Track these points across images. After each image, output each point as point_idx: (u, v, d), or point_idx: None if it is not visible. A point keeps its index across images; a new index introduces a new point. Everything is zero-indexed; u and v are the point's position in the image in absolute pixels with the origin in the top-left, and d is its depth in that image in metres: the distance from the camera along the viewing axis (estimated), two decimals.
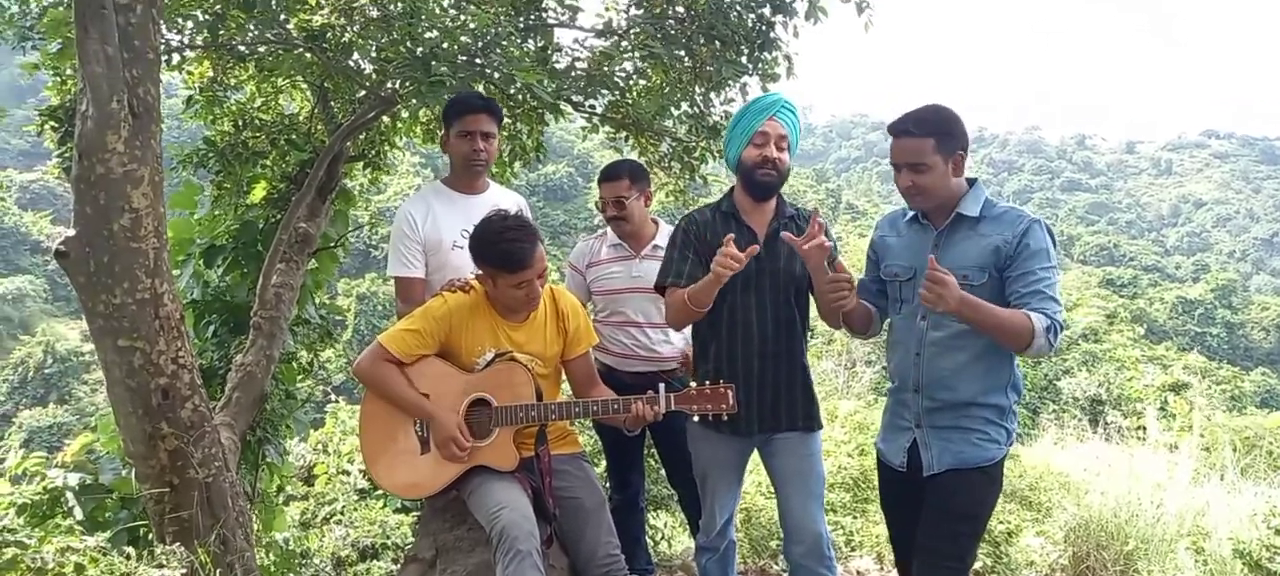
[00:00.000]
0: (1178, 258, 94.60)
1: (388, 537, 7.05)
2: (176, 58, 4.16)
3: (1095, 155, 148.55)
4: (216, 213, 5.01)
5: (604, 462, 4.12)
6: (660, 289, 3.06)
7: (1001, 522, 5.64)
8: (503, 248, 2.77)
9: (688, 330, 3.36)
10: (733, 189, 3.08)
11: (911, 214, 2.82)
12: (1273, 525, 4.44)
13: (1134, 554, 5.10)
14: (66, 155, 4.39)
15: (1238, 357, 49.96)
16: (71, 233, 2.82)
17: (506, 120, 5.02)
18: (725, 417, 2.79)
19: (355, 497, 8.11)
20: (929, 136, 2.59)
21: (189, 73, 4.78)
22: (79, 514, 3.95)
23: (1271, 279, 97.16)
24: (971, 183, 2.72)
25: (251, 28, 3.91)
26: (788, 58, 4.33)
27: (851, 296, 2.74)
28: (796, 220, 3.03)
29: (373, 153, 5.59)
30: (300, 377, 5.29)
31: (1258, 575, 4.32)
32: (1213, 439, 8.57)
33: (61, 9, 3.99)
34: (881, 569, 5.48)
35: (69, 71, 4.34)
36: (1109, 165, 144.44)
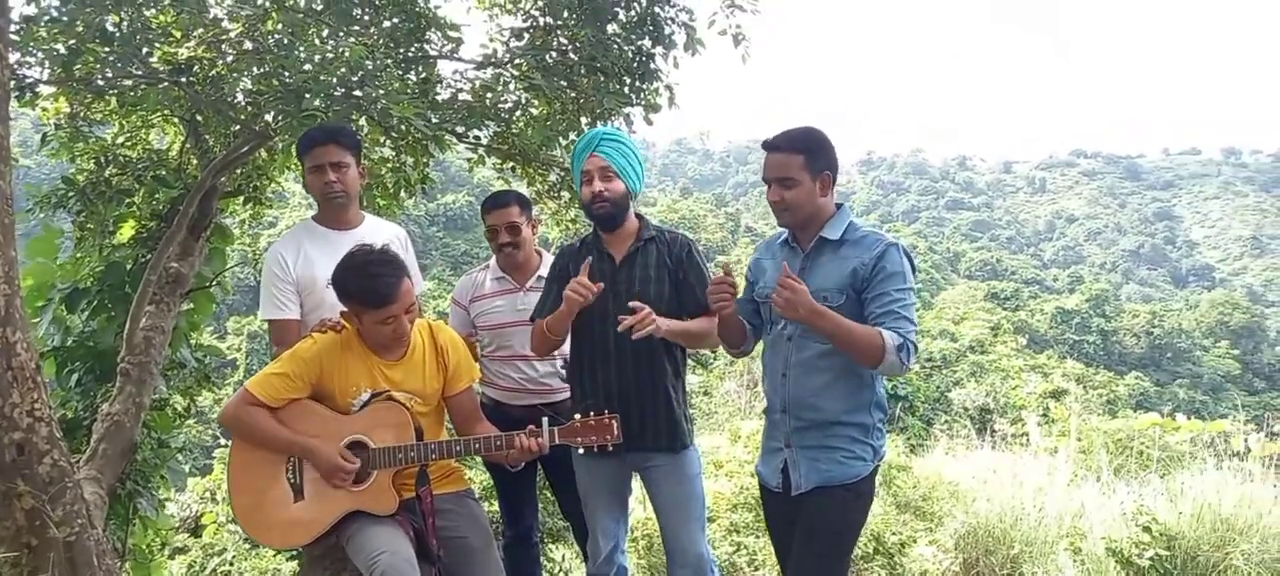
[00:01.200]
0: (1055, 270, 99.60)
1: None
2: (29, 94, 3.92)
3: (975, 175, 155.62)
4: (79, 255, 4.73)
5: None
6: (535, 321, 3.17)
7: (894, 533, 5.79)
8: (364, 282, 2.70)
9: None
10: None
11: (785, 237, 2.91)
12: (1140, 522, 4.68)
13: (1019, 557, 5.30)
14: None
15: (1113, 363, 52.86)
16: None
17: (391, 152, 4.93)
18: (610, 448, 2.79)
19: (246, 547, 7.77)
20: (799, 153, 2.69)
21: (44, 109, 4.52)
22: None
23: (1140, 288, 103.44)
24: (839, 207, 2.81)
25: (111, 61, 3.73)
26: (669, 88, 4.39)
27: (731, 302, 2.80)
28: (657, 240, 3.12)
29: (251, 187, 5.39)
30: (176, 424, 5.03)
31: (1128, 571, 4.54)
32: (1089, 442, 9.00)
33: None
34: None
35: None
36: (988, 184, 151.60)
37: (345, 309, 2.80)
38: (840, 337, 2.60)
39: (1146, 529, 4.60)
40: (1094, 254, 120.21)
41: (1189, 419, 7.51)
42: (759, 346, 3.14)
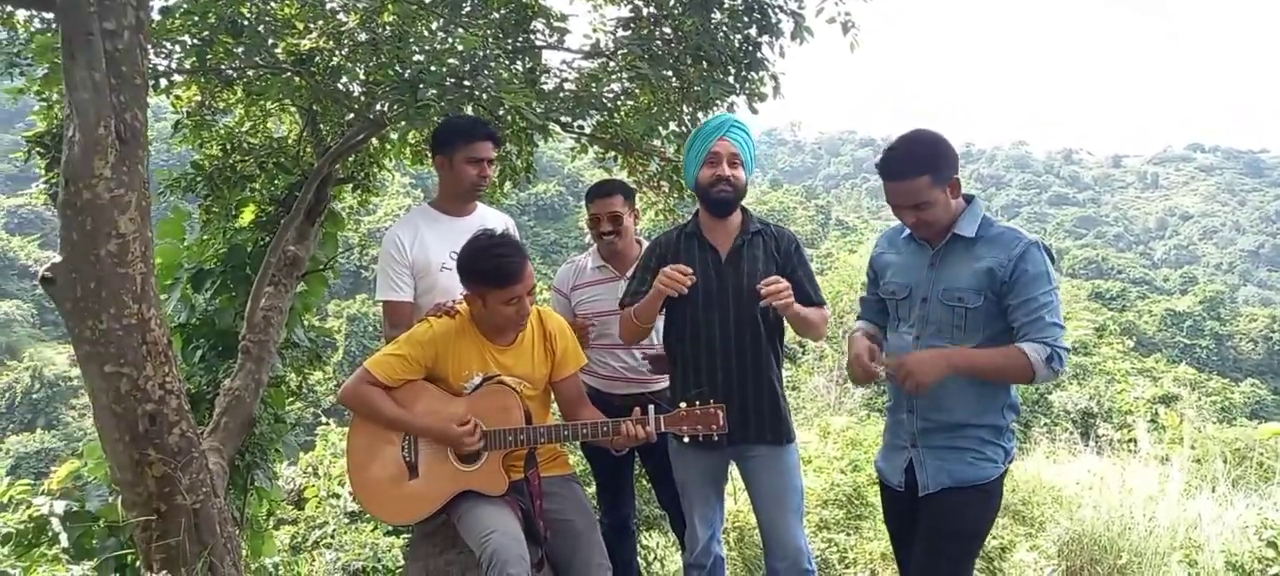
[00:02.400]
0: (1165, 270, 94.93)
1: (379, 561, 7.01)
2: (164, 82, 4.15)
3: (1082, 169, 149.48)
4: (205, 237, 4.99)
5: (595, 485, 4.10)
6: (624, 308, 3.16)
7: (995, 538, 5.64)
8: (492, 262, 2.77)
9: None
10: (697, 212, 3.15)
11: (909, 231, 2.81)
12: (1265, 537, 4.44)
13: (1127, 567, 5.09)
14: (53, 181, 4.37)
15: (1227, 369, 50.11)
16: (58, 258, 2.81)
17: None
18: (716, 438, 2.79)
19: (346, 521, 8.07)
20: (923, 174, 2.53)
21: (176, 97, 4.77)
22: (65, 542, 3.91)
23: (1259, 290, 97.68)
24: (969, 200, 2.69)
25: (239, 52, 3.91)
26: (774, 77, 4.35)
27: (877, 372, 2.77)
28: (763, 234, 3.08)
29: (362, 174, 5.59)
30: (289, 401, 5.27)
31: None
32: (1204, 451, 8.56)
33: (49, 34, 3.98)
34: None
35: (56, 97, 4.33)
36: (1095, 179, 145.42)
37: (468, 291, 2.87)
38: (987, 375, 2.55)
39: (1272, 543, 4.36)
40: (1209, 254, 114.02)
41: None
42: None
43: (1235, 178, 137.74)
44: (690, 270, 2.88)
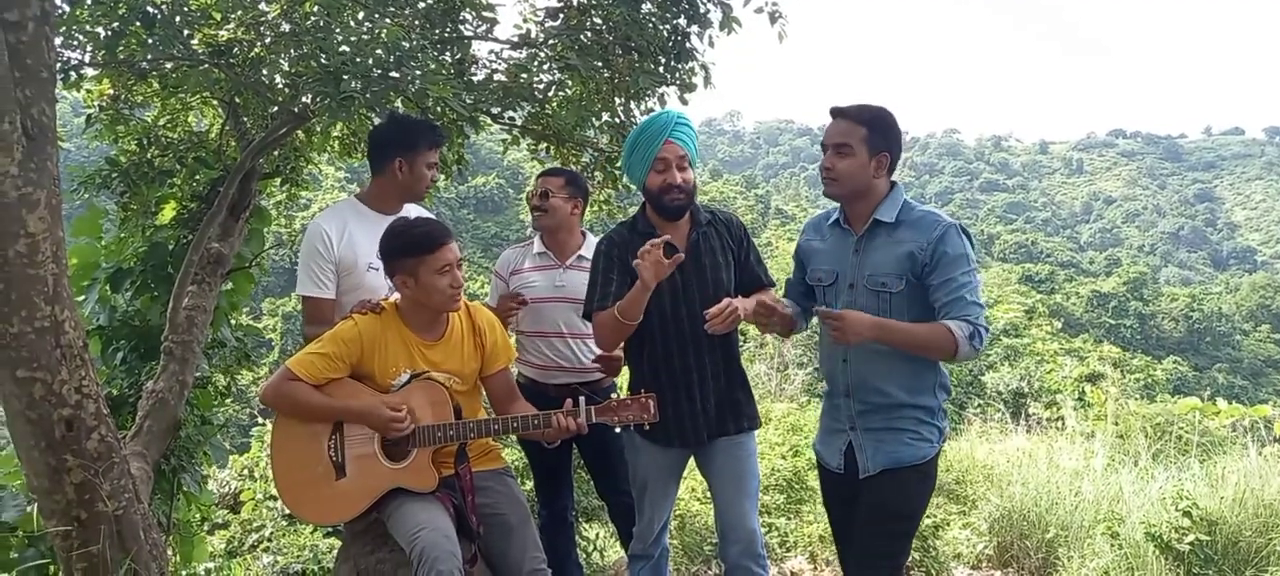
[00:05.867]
0: (1091, 253, 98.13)
1: (319, 563, 6.89)
2: (73, 75, 3.99)
3: (1011, 156, 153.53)
4: (123, 235, 4.82)
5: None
6: (588, 316, 3.07)
7: (929, 517, 5.76)
8: (420, 230, 2.77)
9: None
10: (644, 206, 3.09)
11: (835, 218, 2.85)
12: (1180, 507, 4.61)
13: (1054, 541, 5.26)
14: None
15: (1150, 347, 52.00)
16: None
17: None
18: (647, 427, 2.80)
19: (283, 523, 7.91)
20: (863, 125, 2.63)
21: (88, 91, 4.60)
22: None
23: (1179, 270, 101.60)
24: (893, 186, 2.74)
25: (152, 43, 3.77)
26: (704, 67, 4.36)
27: (778, 322, 2.83)
28: (714, 224, 3.08)
29: (289, 168, 5.46)
30: (217, 402, 5.13)
31: (1168, 556, 4.49)
32: (1126, 426, 8.87)
33: None
34: (815, 568, 5.56)
35: None
36: (1024, 165, 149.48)
37: (399, 276, 2.83)
38: (911, 346, 2.61)
39: (1187, 514, 4.54)
40: (1132, 236, 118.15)
41: (1229, 403, 7.34)
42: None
43: (1155, 162, 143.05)
44: (676, 256, 2.79)
